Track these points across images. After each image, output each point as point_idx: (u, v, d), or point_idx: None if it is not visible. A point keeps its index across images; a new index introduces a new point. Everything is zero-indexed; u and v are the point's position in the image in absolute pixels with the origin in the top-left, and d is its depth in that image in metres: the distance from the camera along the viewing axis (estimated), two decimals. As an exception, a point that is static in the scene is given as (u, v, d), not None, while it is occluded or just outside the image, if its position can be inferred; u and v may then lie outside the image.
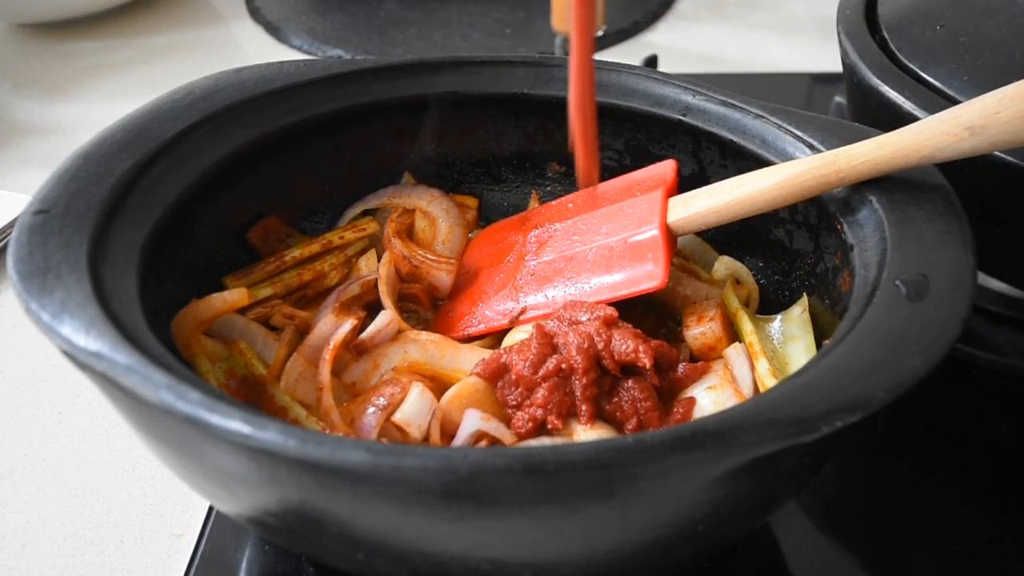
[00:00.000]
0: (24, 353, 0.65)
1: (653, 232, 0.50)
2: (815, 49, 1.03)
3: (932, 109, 0.49)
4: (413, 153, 0.61)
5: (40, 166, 0.86)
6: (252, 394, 0.47)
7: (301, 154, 0.57)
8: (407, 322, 0.53)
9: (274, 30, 1.10)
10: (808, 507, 0.52)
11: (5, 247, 0.72)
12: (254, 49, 1.07)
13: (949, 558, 0.50)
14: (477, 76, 0.58)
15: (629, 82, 0.56)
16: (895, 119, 0.53)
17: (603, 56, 1.01)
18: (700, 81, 0.55)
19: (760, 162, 0.51)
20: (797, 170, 0.46)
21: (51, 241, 0.39)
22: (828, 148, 0.47)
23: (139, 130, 0.48)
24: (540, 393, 0.44)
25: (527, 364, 0.45)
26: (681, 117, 0.55)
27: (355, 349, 0.50)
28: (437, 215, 0.60)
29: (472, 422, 0.45)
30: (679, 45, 1.05)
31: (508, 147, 0.62)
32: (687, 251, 0.58)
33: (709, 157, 0.55)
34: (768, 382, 0.46)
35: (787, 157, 0.50)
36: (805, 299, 0.50)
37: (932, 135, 0.42)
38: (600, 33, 1.01)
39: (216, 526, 0.51)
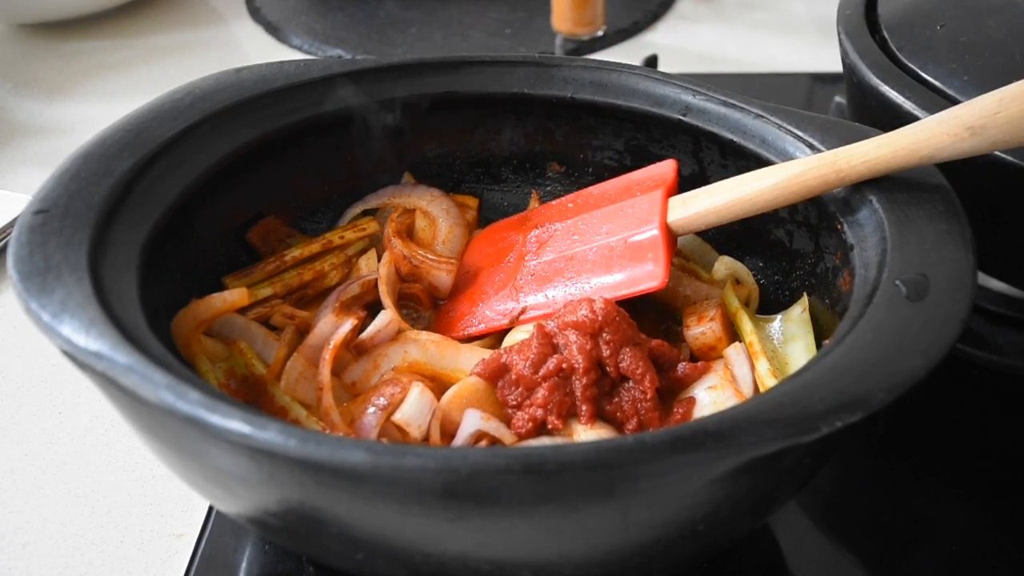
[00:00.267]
0: (24, 353, 0.65)
1: (653, 232, 0.50)
2: (815, 49, 1.03)
3: (932, 109, 0.49)
4: (413, 153, 0.61)
5: (40, 166, 0.86)
6: (252, 394, 0.47)
7: (301, 154, 0.57)
8: (407, 322, 0.53)
9: (274, 30, 1.10)
10: (808, 507, 0.52)
11: (5, 247, 0.72)
12: (254, 49, 1.07)
13: (949, 558, 0.50)
14: (477, 76, 0.58)
15: (629, 82, 0.56)
16: (895, 119, 0.53)
17: (603, 56, 1.01)
18: (700, 81, 0.55)
19: (760, 162, 0.51)
20: (797, 170, 0.46)
21: (51, 241, 0.39)
22: (828, 148, 0.47)
23: (139, 130, 0.48)
24: (540, 393, 0.44)
25: (527, 364, 0.45)
26: (681, 117, 0.55)
27: (355, 349, 0.50)
28: (437, 215, 0.60)
29: (472, 422, 0.45)
30: (679, 45, 1.05)
31: (508, 147, 0.62)
32: (687, 251, 0.58)
33: (709, 157, 0.55)
34: (768, 382, 0.46)
35: (787, 157, 0.50)
36: (805, 299, 0.50)
37: (932, 135, 0.42)
38: (600, 33, 1.01)
39: (216, 526, 0.51)
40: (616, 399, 0.45)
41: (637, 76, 0.56)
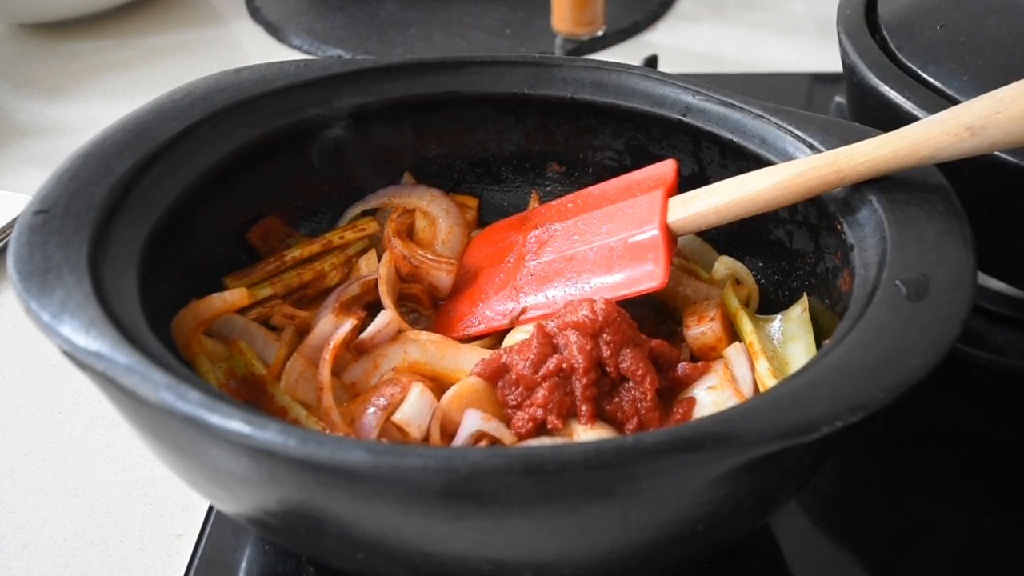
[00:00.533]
0: (24, 353, 0.65)
1: (653, 232, 0.50)
2: (815, 49, 1.03)
3: (932, 109, 0.49)
4: (413, 153, 0.61)
5: (40, 166, 0.86)
6: (252, 394, 0.47)
7: (301, 154, 0.57)
8: (407, 322, 0.53)
9: (274, 30, 1.10)
10: (808, 507, 0.52)
11: (5, 247, 0.72)
12: (254, 49, 1.07)
13: (949, 558, 0.50)
14: (477, 76, 0.58)
15: (629, 82, 0.56)
16: (895, 119, 0.53)
17: (603, 56, 1.01)
18: (700, 81, 0.55)
19: (760, 162, 0.51)
20: (797, 170, 0.46)
21: (51, 241, 0.39)
22: (828, 148, 0.47)
23: (139, 130, 0.48)
24: (540, 393, 0.44)
25: (527, 364, 0.45)
26: (681, 117, 0.55)
27: (355, 349, 0.50)
28: (437, 215, 0.60)
29: (472, 422, 0.45)
30: (679, 45, 1.05)
31: (508, 147, 0.62)
32: (687, 251, 0.58)
33: (709, 157, 0.55)
34: (768, 382, 0.46)
35: (787, 157, 0.50)
36: (805, 299, 0.50)
37: (932, 135, 0.42)
38: (600, 33, 1.01)
39: (216, 526, 0.51)
40: (616, 399, 0.45)
41: (637, 76, 0.56)
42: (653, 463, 0.31)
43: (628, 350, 0.45)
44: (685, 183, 0.55)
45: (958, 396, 0.59)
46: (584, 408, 0.44)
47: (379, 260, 0.56)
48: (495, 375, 0.47)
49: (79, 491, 0.54)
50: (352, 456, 0.31)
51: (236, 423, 0.32)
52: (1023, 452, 0.55)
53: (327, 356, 0.48)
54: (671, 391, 0.47)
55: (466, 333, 0.54)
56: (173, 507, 0.53)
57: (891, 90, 0.54)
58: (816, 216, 0.50)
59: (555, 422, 0.44)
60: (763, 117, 0.52)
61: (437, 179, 0.62)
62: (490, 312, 0.54)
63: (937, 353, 0.35)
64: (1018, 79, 0.40)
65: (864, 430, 0.55)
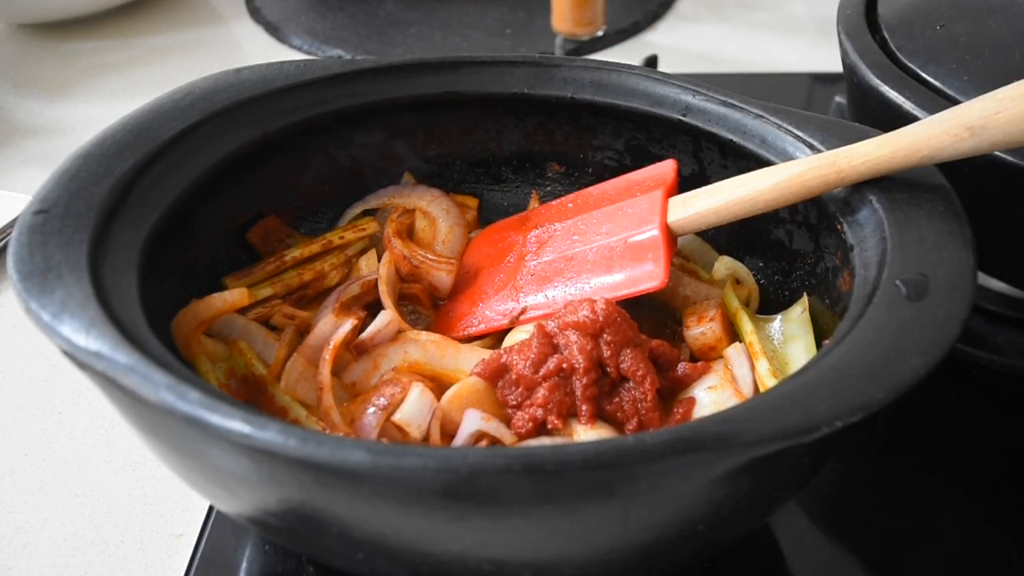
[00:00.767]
0: (24, 353, 0.65)
1: (653, 232, 0.50)
2: (815, 49, 1.03)
3: (932, 109, 0.49)
4: (413, 153, 0.61)
5: (40, 166, 0.86)
6: (252, 394, 0.47)
7: (301, 154, 0.57)
8: (407, 322, 0.53)
9: (274, 30, 1.10)
10: (808, 507, 0.52)
11: (5, 247, 0.72)
12: (254, 49, 1.07)
13: (949, 558, 0.50)
14: (477, 76, 0.58)
15: (629, 82, 0.56)
16: (895, 119, 0.53)
17: (603, 56, 1.01)
18: (700, 81, 0.55)
19: (760, 162, 0.51)
20: (797, 170, 0.46)
21: (51, 241, 0.39)
22: (828, 148, 0.47)
23: (139, 130, 0.48)
24: (540, 393, 0.44)
25: (527, 364, 0.45)
26: (681, 117, 0.55)
27: (355, 349, 0.50)
28: (437, 215, 0.60)
29: (472, 422, 0.45)
30: (679, 45, 1.05)
31: (508, 147, 0.62)
32: (687, 251, 0.58)
33: (709, 157, 0.55)
34: (768, 382, 0.46)
35: (787, 157, 0.50)
36: (805, 299, 0.50)
37: (932, 135, 0.42)
38: (600, 33, 1.01)
39: (216, 526, 0.51)
40: (616, 399, 0.45)
41: (637, 76, 0.56)
42: (653, 463, 0.31)
43: (628, 350, 0.45)
44: (685, 183, 0.55)
45: (958, 396, 0.59)
46: (584, 408, 0.44)
47: (379, 260, 0.56)
48: (495, 375, 0.47)
49: (79, 491, 0.54)
50: (352, 456, 0.31)
51: (236, 423, 0.32)
52: (1023, 452, 0.55)
53: (327, 356, 0.48)
54: (671, 391, 0.47)
55: (466, 333, 0.54)
56: (173, 507, 0.53)
57: (891, 90, 0.54)
58: (816, 216, 0.50)
59: (555, 422, 0.44)
60: (763, 117, 0.52)
61: (437, 179, 0.62)
62: (490, 312, 0.54)
63: (937, 353, 0.35)
64: (1018, 79, 0.40)
65: (864, 430, 0.55)
